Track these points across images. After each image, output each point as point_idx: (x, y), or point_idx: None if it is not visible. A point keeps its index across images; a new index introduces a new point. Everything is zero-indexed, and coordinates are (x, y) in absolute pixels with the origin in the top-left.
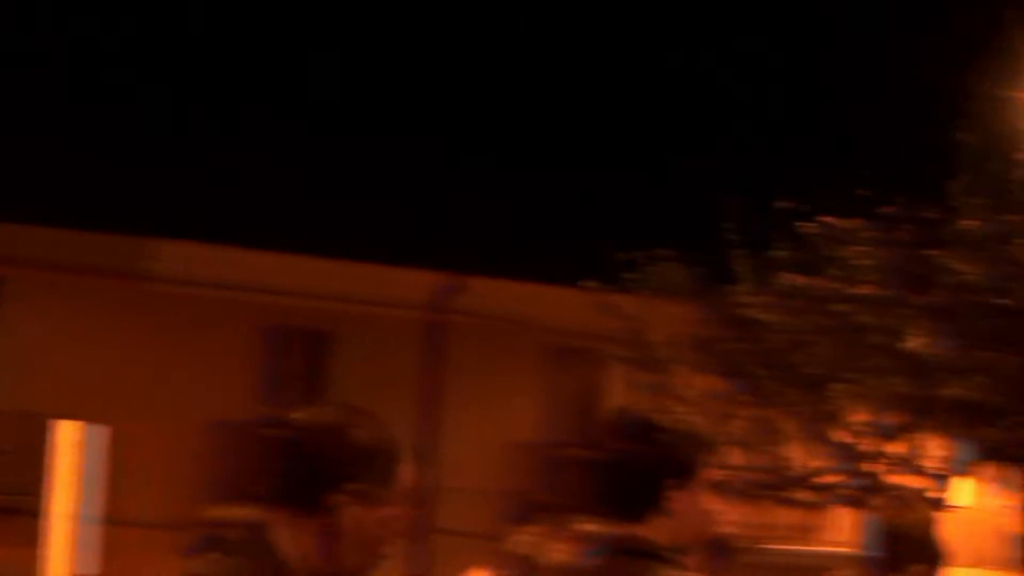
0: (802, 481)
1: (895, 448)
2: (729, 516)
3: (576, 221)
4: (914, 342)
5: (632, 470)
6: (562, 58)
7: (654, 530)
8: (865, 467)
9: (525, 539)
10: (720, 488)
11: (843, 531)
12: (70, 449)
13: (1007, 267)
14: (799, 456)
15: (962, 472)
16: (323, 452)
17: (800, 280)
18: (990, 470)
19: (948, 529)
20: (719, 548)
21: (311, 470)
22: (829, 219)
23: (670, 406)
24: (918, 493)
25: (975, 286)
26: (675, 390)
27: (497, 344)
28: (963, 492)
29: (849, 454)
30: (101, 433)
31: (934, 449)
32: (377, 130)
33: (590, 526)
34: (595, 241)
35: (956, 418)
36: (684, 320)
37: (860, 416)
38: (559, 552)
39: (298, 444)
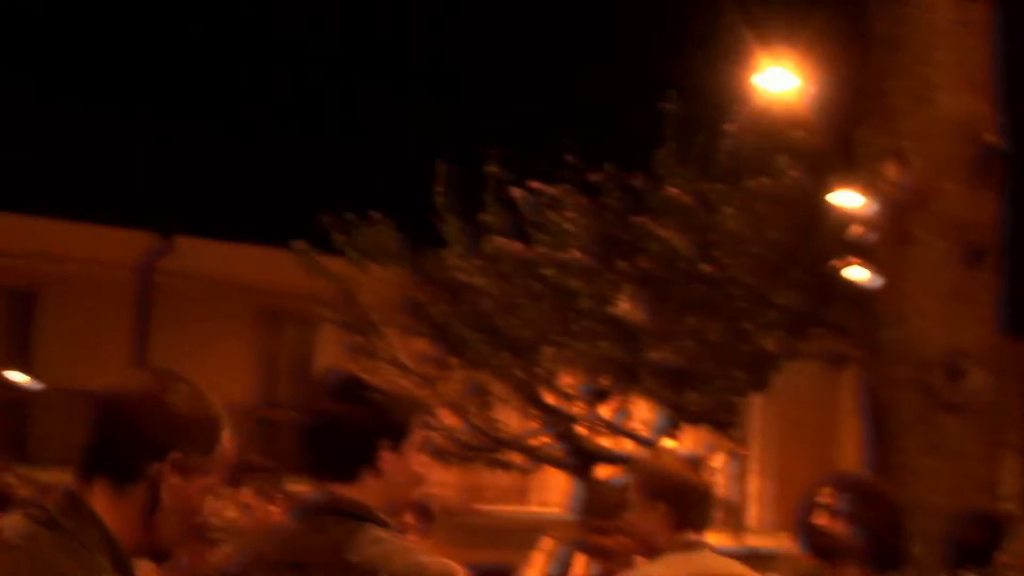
0: (513, 444)
1: (604, 411)
2: (440, 478)
3: (286, 182)
4: (621, 307)
5: (342, 431)
6: (260, 25)
7: (364, 491)
8: (575, 430)
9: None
10: (431, 450)
11: (554, 493)
12: None
13: (711, 235)
14: (510, 419)
15: (666, 436)
16: (143, 420)
17: (509, 245)
18: (694, 434)
19: None
20: (429, 510)
21: (131, 438)
22: (537, 184)
23: (381, 368)
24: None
25: (680, 253)
26: (386, 352)
27: (207, 305)
28: None
29: (559, 417)
30: None
31: (641, 413)
32: (87, 90)
33: (298, 487)
34: (304, 202)
35: (661, 382)
36: (394, 283)
37: (570, 379)
38: (232, 511)
39: (118, 411)
